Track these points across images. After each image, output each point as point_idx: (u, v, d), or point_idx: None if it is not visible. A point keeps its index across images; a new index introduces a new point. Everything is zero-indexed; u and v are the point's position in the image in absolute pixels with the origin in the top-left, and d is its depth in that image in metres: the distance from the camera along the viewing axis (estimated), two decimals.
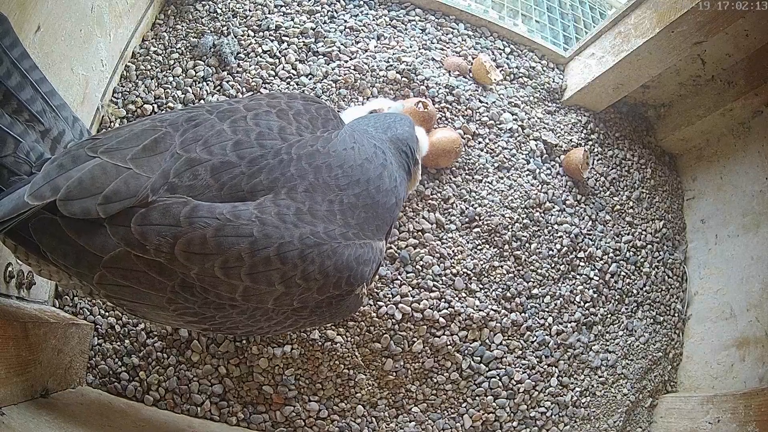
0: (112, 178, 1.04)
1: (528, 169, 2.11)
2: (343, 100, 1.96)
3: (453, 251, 1.92)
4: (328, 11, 2.13)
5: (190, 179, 1.08)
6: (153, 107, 1.86)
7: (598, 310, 2.10)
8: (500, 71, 2.23)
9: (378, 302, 1.81)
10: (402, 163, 1.48)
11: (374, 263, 1.29)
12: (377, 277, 1.82)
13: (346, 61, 2.02)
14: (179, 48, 1.96)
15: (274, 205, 1.11)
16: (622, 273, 2.18)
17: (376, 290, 1.81)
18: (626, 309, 2.16)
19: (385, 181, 1.34)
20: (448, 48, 2.22)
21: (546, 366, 1.97)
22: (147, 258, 1.04)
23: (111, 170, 1.05)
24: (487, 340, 1.90)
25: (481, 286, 1.93)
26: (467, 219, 1.97)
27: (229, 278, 1.08)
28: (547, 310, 2.02)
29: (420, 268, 1.87)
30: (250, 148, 1.15)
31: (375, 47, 2.10)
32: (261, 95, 1.61)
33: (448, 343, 1.84)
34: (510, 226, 2.00)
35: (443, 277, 1.89)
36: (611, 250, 2.17)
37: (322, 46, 2.04)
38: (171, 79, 1.91)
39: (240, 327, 1.24)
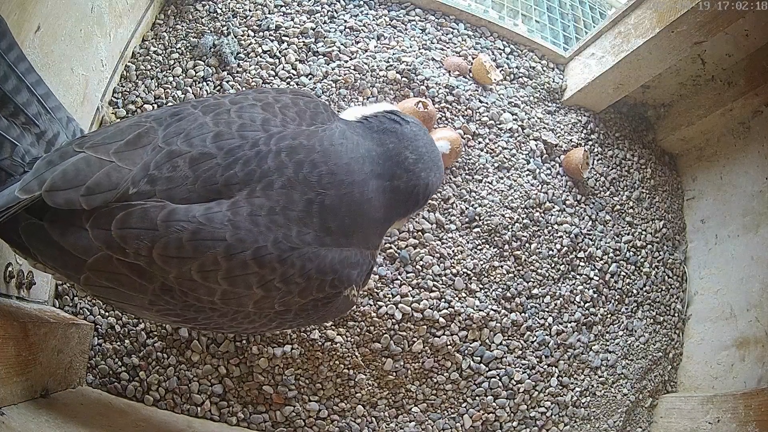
0: (95, 170, 1.05)
1: (528, 169, 2.11)
2: (343, 100, 1.96)
3: (453, 251, 1.92)
4: (328, 11, 2.13)
5: (170, 171, 1.08)
6: (153, 107, 1.86)
7: (598, 310, 2.10)
8: (500, 71, 2.23)
9: (378, 302, 1.81)
10: (401, 204, 1.28)
11: (364, 266, 1.24)
12: (377, 276, 1.82)
13: (346, 61, 2.02)
14: (179, 48, 1.96)
15: (247, 205, 1.08)
16: (622, 273, 2.18)
17: (376, 290, 1.81)
18: (626, 309, 2.16)
19: (371, 190, 1.22)
20: (448, 48, 2.22)
21: (546, 366, 1.97)
22: (128, 261, 1.05)
23: (94, 163, 1.06)
24: (487, 340, 1.90)
25: (481, 286, 1.93)
26: (467, 219, 1.97)
27: (206, 282, 1.08)
28: (547, 310, 2.02)
29: (420, 268, 1.87)
30: (230, 139, 1.13)
31: (375, 47, 2.10)
32: (249, 90, 1.60)
33: (448, 343, 1.84)
34: (510, 226, 2.00)
35: (443, 277, 1.89)
36: (611, 250, 2.17)
37: (322, 46, 2.04)
38: (171, 79, 1.91)
39: (224, 328, 1.24)
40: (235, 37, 1.98)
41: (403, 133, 1.29)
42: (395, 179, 1.25)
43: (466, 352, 1.87)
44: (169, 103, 1.87)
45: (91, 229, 1.04)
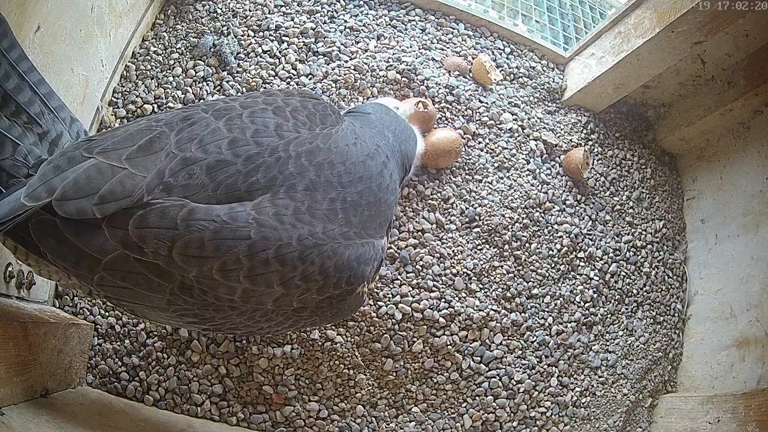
0: (108, 178, 1.03)
1: (528, 169, 2.11)
2: (343, 100, 1.96)
3: (453, 251, 1.92)
4: (328, 11, 2.13)
5: (186, 179, 1.07)
6: (153, 107, 1.86)
7: (598, 310, 2.10)
8: (500, 71, 2.23)
9: (378, 302, 1.81)
10: (399, 175, 1.51)
11: (375, 261, 1.28)
12: (378, 276, 1.82)
13: (346, 61, 2.02)
14: (179, 48, 1.96)
15: (271, 205, 1.10)
16: (622, 273, 2.18)
17: (376, 290, 1.81)
18: (626, 309, 2.16)
19: (386, 178, 1.34)
20: (448, 48, 2.22)
21: (546, 366, 1.97)
22: (145, 260, 1.04)
23: (106, 170, 1.04)
24: (487, 340, 1.90)
25: (481, 286, 1.93)
26: (467, 219, 1.97)
27: (227, 281, 1.08)
28: (547, 310, 2.02)
29: (420, 268, 1.87)
30: (246, 146, 1.14)
31: (375, 47, 2.10)
32: (258, 93, 1.61)
33: (448, 343, 1.84)
34: (510, 226, 2.00)
35: (443, 277, 1.89)
36: (611, 250, 2.17)
37: (322, 46, 2.04)
38: (171, 79, 1.91)
39: (240, 327, 1.24)
40: (235, 37, 1.98)
41: (372, 121, 1.51)
42: (396, 155, 1.48)
43: (466, 352, 1.87)
44: (170, 103, 1.87)
45: (107, 228, 1.02)
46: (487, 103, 2.13)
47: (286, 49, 2.01)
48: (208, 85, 1.91)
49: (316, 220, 1.15)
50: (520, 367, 1.93)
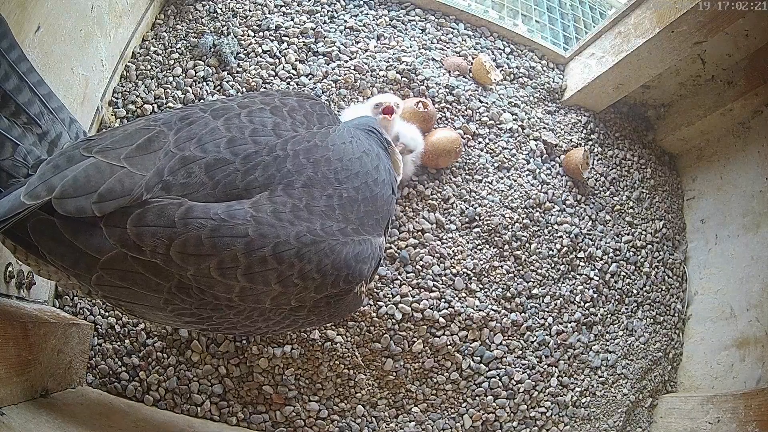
0: (107, 176, 1.04)
1: (528, 169, 2.11)
2: (343, 100, 1.96)
3: (453, 251, 1.92)
4: (328, 11, 2.13)
5: (185, 177, 1.08)
6: (153, 107, 1.86)
7: (598, 310, 2.10)
8: (500, 71, 2.23)
9: (378, 302, 1.81)
10: (379, 143, 1.48)
11: (373, 260, 1.28)
12: (377, 276, 1.82)
13: (346, 61, 2.02)
14: (179, 48, 1.96)
15: (269, 203, 1.11)
16: (622, 273, 2.18)
17: (376, 290, 1.81)
18: (626, 309, 2.16)
19: (382, 173, 1.35)
20: (448, 48, 2.22)
21: (546, 366, 1.97)
22: (143, 259, 1.04)
23: (105, 169, 1.05)
24: (487, 340, 1.90)
25: (481, 286, 1.93)
26: (467, 219, 1.97)
27: (225, 279, 1.08)
28: (547, 310, 2.02)
29: (420, 268, 1.87)
30: (245, 145, 1.15)
31: (375, 47, 2.10)
32: (255, 93, 1.61)
33: (448, 343, 1.84)
34: (510, 226, 2.00)
35: (443, 277, 1.89)
36: (611, 250, 2.17)
37: (322, 46, 2.04)
38: (171, 79, 1.91)
39: (238, 327, 1.24)
40: (235, 37, 1.98)
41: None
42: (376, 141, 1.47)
43: (466, 352, 1.87)
44: (169, 103, 1.87)
45: (105, 227, 1.02)
46: (487, 103, 2.13)
47: (286, 49, 2.01)
48: (208, 85, 1.91)
49: (314, 217, 1.15)
50: (520, 367, 1.93)
